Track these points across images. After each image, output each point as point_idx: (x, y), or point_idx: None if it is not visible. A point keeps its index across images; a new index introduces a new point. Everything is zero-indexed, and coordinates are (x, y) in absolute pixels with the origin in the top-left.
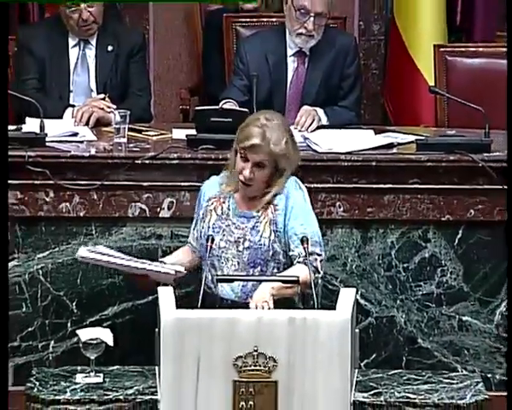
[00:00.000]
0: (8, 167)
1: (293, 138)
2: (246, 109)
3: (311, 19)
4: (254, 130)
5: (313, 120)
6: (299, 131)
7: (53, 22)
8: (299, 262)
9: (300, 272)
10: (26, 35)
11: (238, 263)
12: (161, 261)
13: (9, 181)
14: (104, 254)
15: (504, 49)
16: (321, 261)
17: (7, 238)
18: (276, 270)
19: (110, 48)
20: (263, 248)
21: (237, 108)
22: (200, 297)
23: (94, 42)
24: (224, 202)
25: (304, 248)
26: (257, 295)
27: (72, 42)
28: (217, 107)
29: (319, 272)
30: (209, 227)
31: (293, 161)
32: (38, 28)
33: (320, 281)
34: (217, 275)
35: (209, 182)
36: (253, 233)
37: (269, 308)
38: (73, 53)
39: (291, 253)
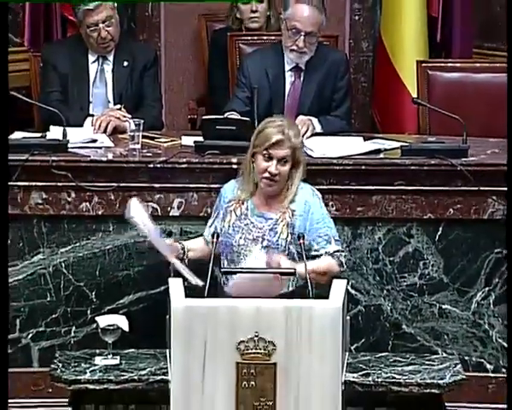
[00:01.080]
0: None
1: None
2: (247, 118)
3: (302, 37)
4: (274, 130)
5: (308, 129)
6: None
7: (74, 41)
8: (327, 253)
9: (328, 262)
10: (50, 52)
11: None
12: (182, 247)
13: (36, 183)
14: (149, 231)
15: (479, 65)
16: (344, 257)
17: (7, 238)
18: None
19: (126, 63)
20: (280, 249)
21: (240, 117)
22: (207, 288)
23: (111, 58)
24: (242, 204)
25: (300, 243)
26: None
27: (91, 58)
28: (222, 116)
29: (343, 266)
30: (229, 226)
31: (303, 157)
32: (61, 46)
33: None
34: (220, 268)
35: (229, 185)
36: (271, 234)
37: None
38: (93, 68)
39: (315, 253)
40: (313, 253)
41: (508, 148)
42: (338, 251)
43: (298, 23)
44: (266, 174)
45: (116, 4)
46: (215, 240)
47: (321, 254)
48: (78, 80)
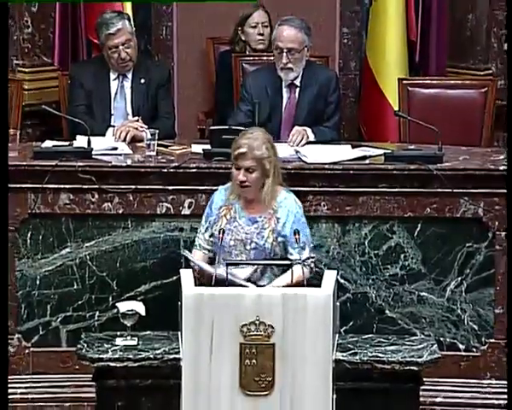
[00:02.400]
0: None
1: (272, 146)
2: None
3: (284, 54)
4: (241, 142)
5: (303, 138)
6: (292, 146)
7: (98, 61)
8: (298, 263)
9: (298, 274)
10: (76, 71)
11: (246, 259)
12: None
13: (64, 186)
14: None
15: (453, 82)
16: (313, 262)
17: (7, 238)
18: (276, 268)
19: (143, 80)
20: (266, 251)
21: (243, 128)
22: (214, 278)
23: (130, 76)
24: (231, 209)
25: (296, 239)
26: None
27: (112, 76)
28: (227, 127)
29: (313, 270)
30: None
31: (276, 164)
32: (86, 66)
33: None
34: (224, 260)
35: (218, 192)
36: (258, 237)
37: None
38: (114, 85)
39: (289, 256)
40: (288, 255)
41: (507, 148)
42: (309, 258)
43: (279, 42)
44: (237, 181)
45: (134, 29)
46: (221, 235)
47: (295, 259)
48: (101, 95)
